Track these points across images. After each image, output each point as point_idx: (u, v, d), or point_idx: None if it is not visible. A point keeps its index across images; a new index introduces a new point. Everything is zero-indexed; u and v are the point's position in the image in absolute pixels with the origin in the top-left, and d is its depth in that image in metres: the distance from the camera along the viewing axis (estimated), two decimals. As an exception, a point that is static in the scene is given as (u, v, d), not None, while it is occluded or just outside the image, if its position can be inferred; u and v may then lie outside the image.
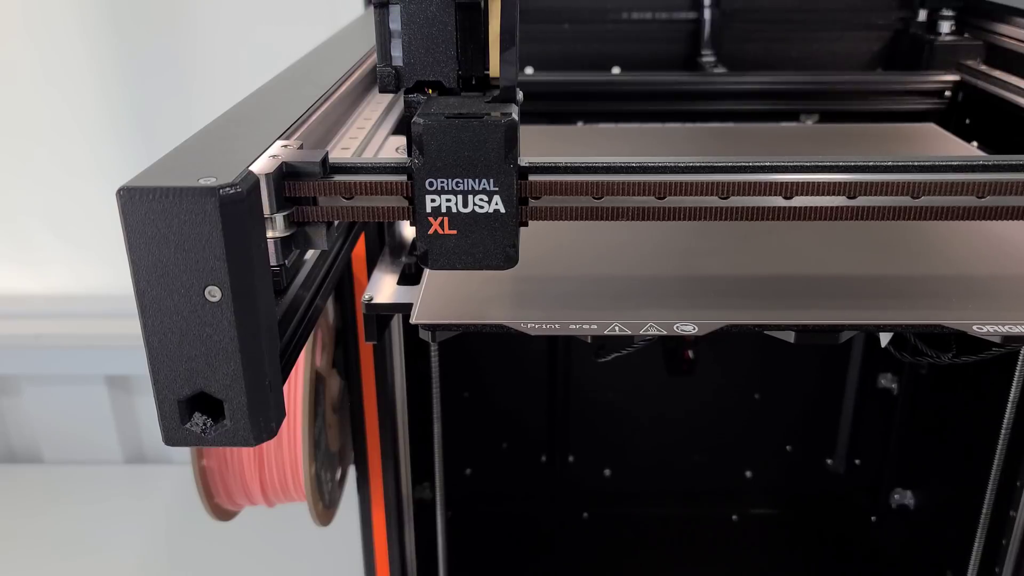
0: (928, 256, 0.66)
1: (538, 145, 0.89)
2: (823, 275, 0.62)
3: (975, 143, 0.91)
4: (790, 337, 0.56)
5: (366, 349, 0.89)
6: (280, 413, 0.46)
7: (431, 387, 0.95)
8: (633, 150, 0.91)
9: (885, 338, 0.60)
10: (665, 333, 0.55)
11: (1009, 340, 0.55)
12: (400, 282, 0.63)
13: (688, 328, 0.55)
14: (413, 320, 0.57)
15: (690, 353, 1.11)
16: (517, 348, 1.25)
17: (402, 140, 0.67)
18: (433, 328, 0.57)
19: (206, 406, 0.45)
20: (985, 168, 0.50)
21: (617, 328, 0.55)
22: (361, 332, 0.88)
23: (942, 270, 0.63)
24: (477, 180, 0.47)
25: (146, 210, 0.40)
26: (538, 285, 0.59)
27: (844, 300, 0.58)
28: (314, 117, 0.57)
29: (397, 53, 0.50)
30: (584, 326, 0.55)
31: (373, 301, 0.61)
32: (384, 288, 0.62)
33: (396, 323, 0.89)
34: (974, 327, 0.54)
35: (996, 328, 0.54)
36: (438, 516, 1.02)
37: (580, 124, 1.02)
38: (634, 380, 1.27)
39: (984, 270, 0.63)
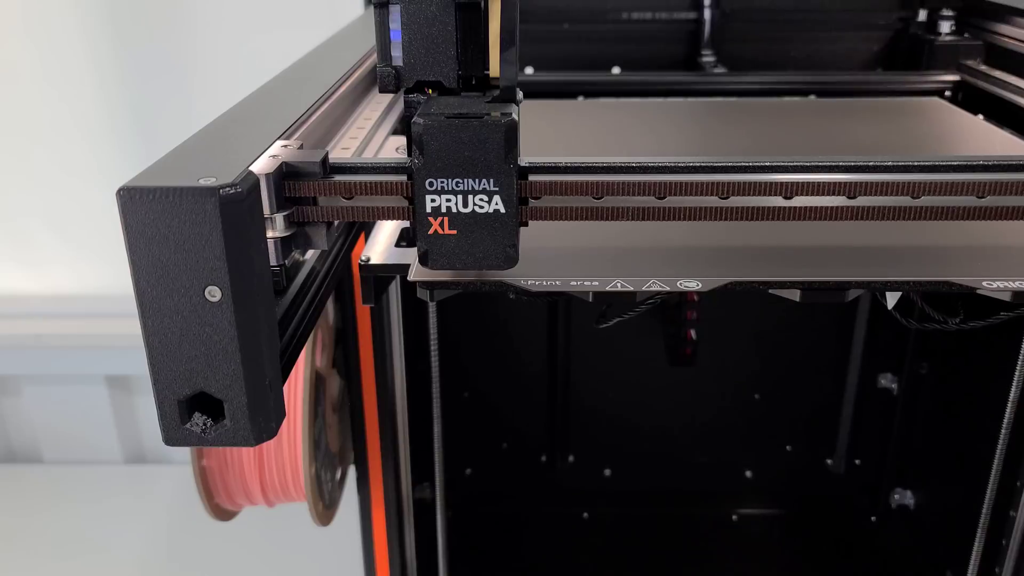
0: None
1: (539, 120, 0.88)
2: (830, 238, 0.61)
3: (980, 116, 0.90)
4: (795, 296, 0.55)
5: (366, 349, 0.89)
6: (280, 413, 0.46)
7: (431, 387, 0.95)
8: (633, 124, 0.90)
9: (892, 299, 0.59)
10: (668, 289, 0.54)
11: (1019, 296, 0.54)
12: (398, 243, 0.61)
13: (692, 284, 0.54)
14: (411, 277, 0.56)
15: (692, 333, 1.11)
16: (518, 347, 1.25)
17: (402, 140, 0.67)
18: (431, 286, 0.55)
19: (206, 406, 0.45)
20: (985, 168, 0.50)
21: (619, 284, 0.54)
22: (361, 329, 0.88)
23: (951, 233, 0.63)
24: (477, 180, 0.47)
25: (146, 210, 0.40)
26: (540, 247, 0.58)
27: (851, 261, 0.58)
28: (314, 117, 0.57)
29: (397, 53, 0.50)
30: (586, 283, 0.55)
31: (370, 262, 0.59)
32: (381, 249, 0.61)
33: (396, 322, 0.89)
34: (984, 283, 0.54)
35: (1006, 284, 0.54)
36: (438, 516, 1.02)
37: (581, 98, 1.02)
38: (634, 380, 1.27)
39: (994, 234, 0.62)
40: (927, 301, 0.78)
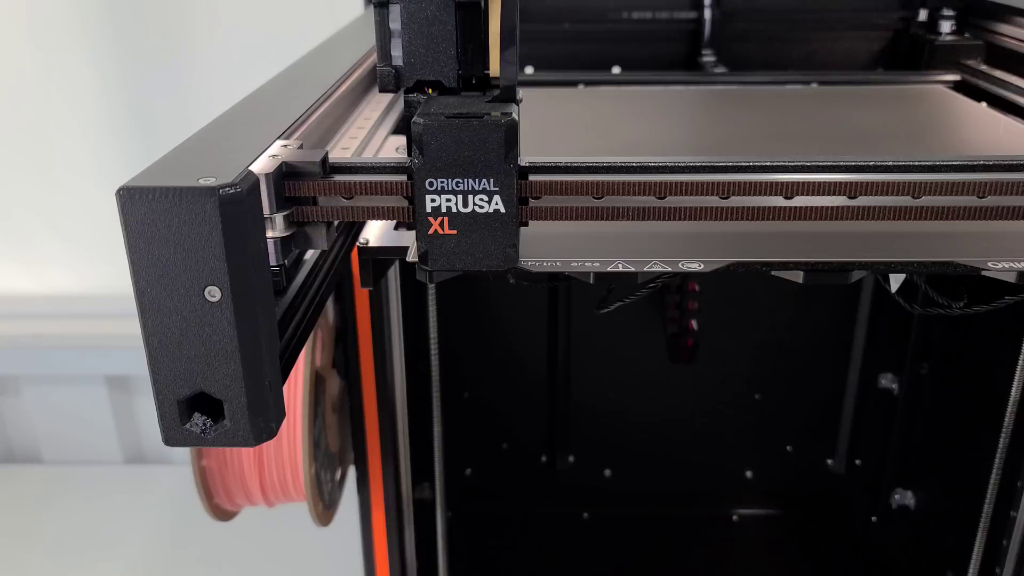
0: None
1: (539, 107, 0.88)
2: (833, 223, 0.61)
3: (984, 103, 0.90)
4: (798, 277, 0.55)
5: (366, 349, 0.89)
6: (280, 413, 0.46)
7: (431, 387, 0.96)
8: (636, 111, 0.90)
9: (896, 282, 0.59)
10: (670, 270, 0.54)
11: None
12: (397, 226, 0.60)
13: (694, 265, 0.54)
14: (410, 258, 0.55)
15: (694, 323, 1.10)
16: (518, 347, 1.25)
17: (402, 140, 0.67)
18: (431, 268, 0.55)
19: (206, 406, 0.45)
20: (986, 168, 0.50)
21: (620, 266, 0.54)
22: (361, 329, 0.88)
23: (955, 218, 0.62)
24: (477, 180, 0.47)
25: (146, 210, 0.40)
26: (540, 231, 0.58)
27: (855, 244, 0.57)
28: (314, 117, 0.57)
29: (397, 53, 0.50)
30: (587, 264, 0.54)
31: (369, 244, 0.59)
32: (380, 232, 0.60)
33: (396, 322, 0.89)
34: (989, 263, 0.54)
35: (1011, 264, 0.53)
36: (438, 516, 1.02)
37: (581, 87, 1.02)
38: (634, 380, 1.27)
39: (999, 220, 0.62)
40: (931, 284, 0.77)
